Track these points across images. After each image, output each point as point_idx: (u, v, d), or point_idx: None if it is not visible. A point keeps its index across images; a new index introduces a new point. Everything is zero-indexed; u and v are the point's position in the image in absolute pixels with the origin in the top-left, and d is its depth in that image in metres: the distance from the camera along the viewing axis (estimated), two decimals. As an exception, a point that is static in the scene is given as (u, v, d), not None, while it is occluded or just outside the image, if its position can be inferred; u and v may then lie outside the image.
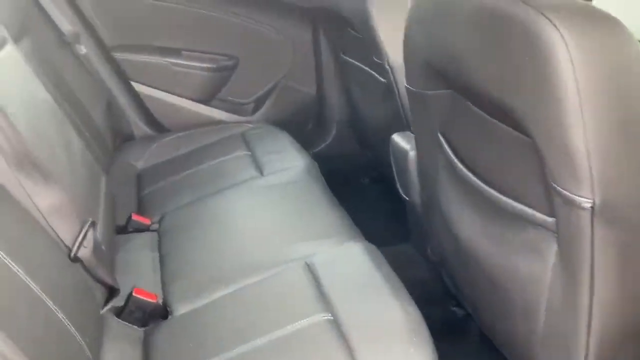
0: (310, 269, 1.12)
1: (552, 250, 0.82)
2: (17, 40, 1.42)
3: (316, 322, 0.98)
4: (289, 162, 1.61)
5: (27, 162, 0.95)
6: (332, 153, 2.09)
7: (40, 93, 1.20)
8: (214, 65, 1.99)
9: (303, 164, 1.59)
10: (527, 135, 0.76)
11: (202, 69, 1.98)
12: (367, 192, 2.09)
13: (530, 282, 0.88)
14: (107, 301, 1.10)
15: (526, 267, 0.88)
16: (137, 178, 1.73)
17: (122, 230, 1.42)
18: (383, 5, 1.46)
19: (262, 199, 1.44)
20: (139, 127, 1.97)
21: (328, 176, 1.60)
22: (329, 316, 0.99)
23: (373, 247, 1.20)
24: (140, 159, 1.81)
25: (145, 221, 1.44)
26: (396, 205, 1.56)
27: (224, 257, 1.24)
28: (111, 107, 1.88)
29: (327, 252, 1.18)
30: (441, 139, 1.07)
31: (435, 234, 1.25)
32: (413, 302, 1.01)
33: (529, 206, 0.84)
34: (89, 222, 1.05)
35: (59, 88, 1.51)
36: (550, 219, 0.80)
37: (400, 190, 1.39)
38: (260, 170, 1.57)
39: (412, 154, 1.29)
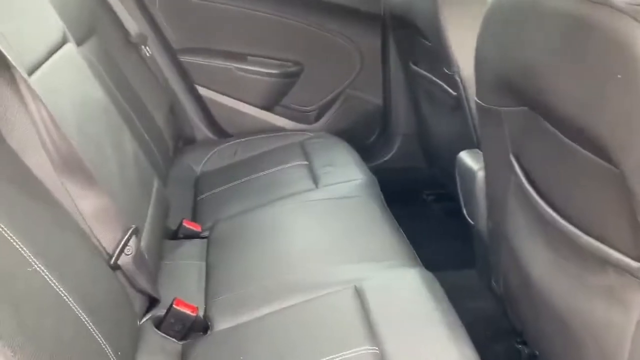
0: (359, 295, 1.04)
1: (637, 300, 0.70)
2: (83, 39, 1.44)
3: (361, 355, 0.90)
4: (346, 175, 1.53)
5: (73, 165, 0.92)
6: (395, 167, 2.00)
7: (95, 93, 1.19)
8: (279, 71, 1.96)
9: (361, 178, 1.51)
10: (613, 164, 0.65)
11: (266, 74, 1.95)
12: (430, 211, 1.98)
13: (608, 332, 0.76)
14: (146, 311, 1.06)
15: (605, 315, 0.76)
16: (195, 182, 1.71)
17: (173, 235, 1.39)
18: (456, 13, 1.37)
19: (315, 213, 1.37)
20: (201, 130, 1.96)
21: (388, 192, 1.51)
22: (375, 350, 0.90)
23: (430, 275, 1.10)
24: (200, 163, 1.80)
25: (196, 228, 1.41)
26: (461, 226, 1.45)
27: (270, 273, 1.18)
28: (174, 110, 1.88)
29: (379, 277, 1.09)
30: (513, 161, 0.96)
31: (501, 265, 1.13)
32: (470, 343, 0.91)
33: (612, 247, 0.72)
34: (132, 228, 1.02)
35: (122, 89, 1.52)
36: (636, 265, 0.68)
37: (465, 213, 1.29)
38: (315, 181, 1.51)
39: (480, 174, 1.18)
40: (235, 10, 1.85)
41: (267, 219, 1.38)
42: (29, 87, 0.86)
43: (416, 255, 1.20)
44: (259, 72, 1.94)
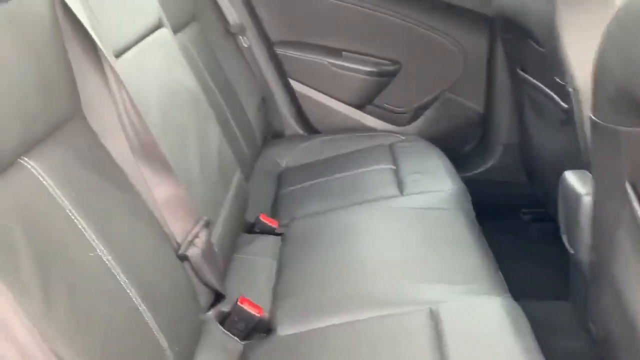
0: (434, 319, 0.95)
1: None
2: (183, 26, 1.45)
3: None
4: (435, 184, 1.43)
5: (151, 151, 0.91)
6: (491, 179, 1.86)
7: (185, 80, 1.18)
8: (375, 69, 1.88)
9: (451, 189, 1.41)
10: None
11: (361, 72, 1.88)
12: (525, 231, 1.82)
13: None
14: (211, 306, 1.04)
15: None
16: (279, 177, 1.69)
17: (250, 229, 1.37)
18: (575, 17, 1.22)
19: (397, 222, 1.29)
20: (290, 125, 1.94)
21: (480, 206, 1.40)
22: (444, 383, 0.82)
23: (516, 305, 0.99)
24: (286, 158, 1.77)
25: (273, 223, 1.38)
26: (559, 253, 1.31)
27: (342, 281, 1.12)
28: (265, 102, 1.87)
29: (458, 301, 1.00)
30: (629, 189, 0.83)
31: (601, 304, 0.99)
32: None
33: None
34: (204, 220, 1.00)
35: (216, 78, 1.52)
36: None
37: (565, 239, 1.15)
38: (401, 188, 1.43)
39: (586, 199, 1.04)
40: (335, 4, 1.80)
41: (345, 222, 1.32)
42: (113, 69, 0.86)
43: (503, 281, 1.09)
44: (354, 69, 1.87)
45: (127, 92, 0.86)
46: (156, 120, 0.98)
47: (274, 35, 1.88)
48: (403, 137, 1.75)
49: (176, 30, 1.39)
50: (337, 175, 1.56)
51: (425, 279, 1.07)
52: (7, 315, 0.59)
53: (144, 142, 0.90)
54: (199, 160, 1.10)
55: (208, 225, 1.01)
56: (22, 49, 0.74)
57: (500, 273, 1.11)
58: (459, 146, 1.91)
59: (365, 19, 1.81)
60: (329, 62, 1.87)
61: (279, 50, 1.88)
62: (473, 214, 1.34)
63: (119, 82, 0.86)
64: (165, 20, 1.22)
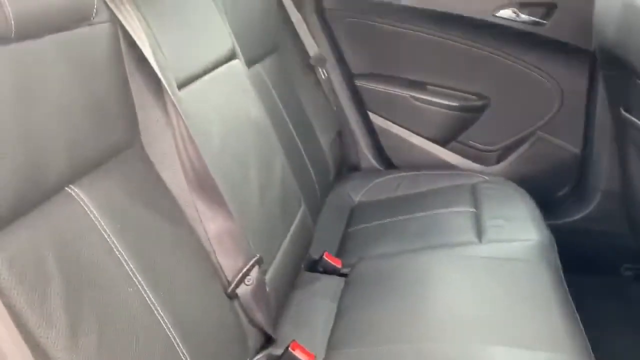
0: (505, 389, 0.83)
1: None
2: (262, 56, 1.44)
3: None
4: (519, 231, 1.30)
5: (205, 183, 0.89)
6: (587, 229, 1.68)
7: (253, 112, 1.16)
8: (461, 104, 1.78)
9: (537, 238, 1.27)
10: None
11: (446, 106, 1.78)
12: (625, 290, 1.61)
13: None
14: (260, 349, 0.98)
15: None
16: (350, 212, 1.62)
17: (312, 267, 1.31)
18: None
19: (473, 273, 1.17)
20: (367, 159, 1.87)
21: (571, 259, 1.25)
22: None
23: None
24: (359, 193, 1.70)
25: (337, 263, 1.31)
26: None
27: (406, 335, 1.02)
28: (342, 134, 1.82)
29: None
30: None
31: None
32: None
33: None
34: (256, 257, 0.95)
35: (291, 109, 1.49)
36: None
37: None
38: (480, 234, 1.30)
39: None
40: (419, 35, 1.72)
41: (415, 268, 1.22)
42: (174, 99, 0.84)
43: (589, 349, 0.94)
44: (438, 104, 1.78)
45: (184, 123, 0.84)
46: (215, 150, 0.96)
47: (354, 67, 1.83)
48: (487, 178, 1.62)
49: (255, 61, 1.39)
50: (412, 215, 1.46)
51: (500, 341, 0.95)
52: (28, 348, 0.56)
53: (198, 173, 0.88)
54: (259, 192, 1.06)
55: (262, 261, 0.96)
56: (81, 76, 0.74)
57: (586, 340, 0.96)
58: (550, 190, 1.75)
59: (451, 52, 1.72)
60: (411, 96, 1.79)
61: (359, 83, 1.83)
62: (560, 268, 1.20)
63: (179, 113, 0.85)
64: (238, 52, 1.22)
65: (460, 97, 1.78)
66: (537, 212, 1.41)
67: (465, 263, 1.21)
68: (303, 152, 1.47)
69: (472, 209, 1.43)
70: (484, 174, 1.68)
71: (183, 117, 0.85)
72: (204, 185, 0.88)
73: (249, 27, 1.38)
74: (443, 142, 1.82)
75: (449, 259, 1.24)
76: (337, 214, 1.59)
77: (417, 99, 1.79)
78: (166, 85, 0.83)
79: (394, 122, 1.83)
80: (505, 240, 1.27)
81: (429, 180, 1.65)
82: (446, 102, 1.78)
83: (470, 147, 1.82)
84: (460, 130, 1.81)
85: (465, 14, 1.64)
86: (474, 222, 1.37)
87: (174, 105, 0.84)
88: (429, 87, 1.79)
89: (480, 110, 1.78)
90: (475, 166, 1.78)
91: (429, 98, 1.78)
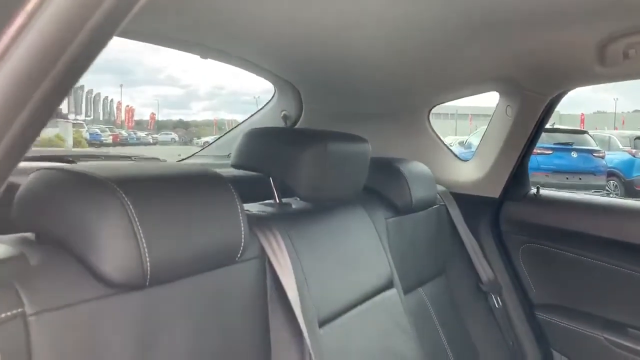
0: None
1: None
2: (427, 279, 1.35)
3: None
4: None
5: None
6: None
7: (404, 349, 1.04)
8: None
9: None
10: None
11: (654, 358, 1.44)
12: None
13: None
14: None
15: None
16: None
17: None
18: None
19: None
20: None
21: None
22: None
23: None
24: None
25: None
26: None
27: None
28: (519, 373, 1.56)
29: None
30: None
31: None
32: None
33: None
34: None
35: (455, 341, 1.33)
36: None
37: None
38: None
39: None
40: (614, 270, 1.49)
41: None
42: (309, 342, 0.78)
43: None
44: (643, 353, 1.45)
45: None
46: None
47: (535, 298, 1.63)
48: None
49: (417, 284, 1.30)
50: None
51: None
52: None
53: None
54: None
55: None
56: (225, 316, 0.72)
57: None
58: None
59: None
60: (606, 338, 1.49)
61: (541, 315, 1.60)
62: None
63: (314, 358, 0.77)
64: (396, 280, 1.14)
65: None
66: None
67: None
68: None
69: None
70: None
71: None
72: None
73: (414, 250, 1.32)
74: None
75: None
76: None
77: (613, 344, 1.48)
78: (304, 325, 0.78)
79: (586, 368, 1.53)
80: None
81: None
82: (655, 353, 1.44)
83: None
84: (675, 390, 1.43)
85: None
86: None
87: (309, 348, 0.78)
88: (630, 330, 1.49)
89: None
90: None
91: (631, 345, 1.46)
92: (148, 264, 0.58)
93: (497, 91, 1.59)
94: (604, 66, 1.22)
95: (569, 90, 1.47)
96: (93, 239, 0.57)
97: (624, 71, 1.23)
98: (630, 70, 1.21)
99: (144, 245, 0.58)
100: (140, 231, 0.58)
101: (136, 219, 0.58)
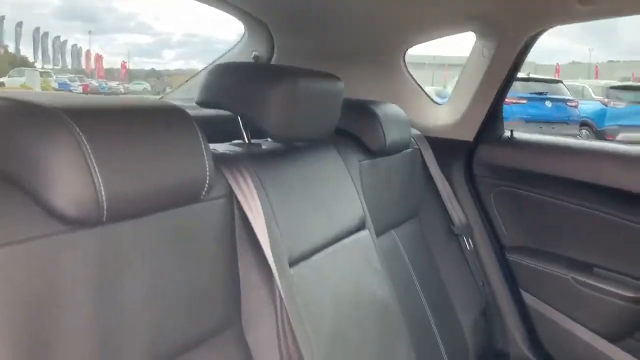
0: None
1: None
2: (398, 223, 1.35)
3: None
4: None
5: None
6: None
7: (377, 290, 1.04)
8: (637, 296, 1.47)
9: None
10: None
11: (618, 296, 1.48)
12: None
13: None
14: None
15: None
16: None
17: None
18: None
19: None
20: (517, 346, 1.60)
21: None
22: None
23: None
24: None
25: None
26: None
27: None
28: (487, 314, 1.59)
29: None
30: None
31: None
32: None
33: None
34: None
35: (427, 283, 1.35)
36: None
37: None
38: None
39: None
40: (585, 211, 1.51)
41: None
42: (279, 282, 0.77)
43: None
44: (608, 292, 1.49)
45: (287, 311, 0.76)
46: (325, 336, 0.84)
47: (506, 240, 1.65)
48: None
49: (389, 227, 1.30)
50: None
51: None
52: None
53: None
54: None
55: None
56: (190, 255, 0.70)
57: None
58: None
59: (625, 231, 1.47)
60: (573, 278, 1.53)
61: (512, 257, 1.63)
62: None
63: (282, 298, 0.77)
64: (368, 222, 1.14)
65: (636, 287, 1.48)
66: None
67: None
68: (437, 336, 1.29)
69: None
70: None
71: (286, 303, 0.76)
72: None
73: (387, 193, 1.31)
74: (614, 339, 1.49)
75: None
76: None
77: (580, 283, 1.52)
78: (274, 265, 0.76)
79: (552, 307, 1.57)
80: None
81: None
82: (617, 291, 1.48)
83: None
84: (637, 327, 1.48)
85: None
86: None
87: (281, 290, 0.77)
88: (595, 269, 1.52)
89: (664, 304, 1.45)
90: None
91: (596, 284, 1.50)
92: (104, 197, 0.55)
93: (473, 31, 1.55)
94: (583, 4, 1.19)
95: (546, 29, 1.44)
96: (43, 173, 0.54)
97: (603, 8, 1.20)
98: (610, 7, 1.19)
99: (99, 177, 0.55)
100: (95, 163, 0.55)
101: (89, 150, 0.55)
